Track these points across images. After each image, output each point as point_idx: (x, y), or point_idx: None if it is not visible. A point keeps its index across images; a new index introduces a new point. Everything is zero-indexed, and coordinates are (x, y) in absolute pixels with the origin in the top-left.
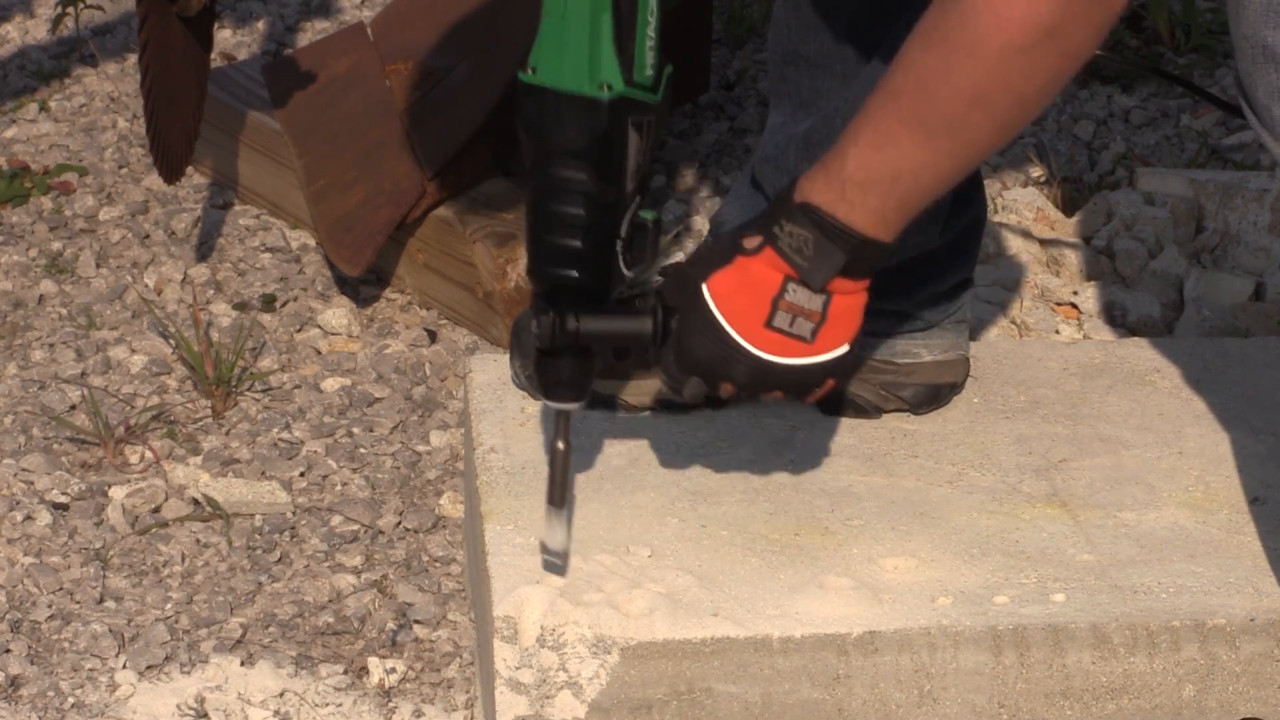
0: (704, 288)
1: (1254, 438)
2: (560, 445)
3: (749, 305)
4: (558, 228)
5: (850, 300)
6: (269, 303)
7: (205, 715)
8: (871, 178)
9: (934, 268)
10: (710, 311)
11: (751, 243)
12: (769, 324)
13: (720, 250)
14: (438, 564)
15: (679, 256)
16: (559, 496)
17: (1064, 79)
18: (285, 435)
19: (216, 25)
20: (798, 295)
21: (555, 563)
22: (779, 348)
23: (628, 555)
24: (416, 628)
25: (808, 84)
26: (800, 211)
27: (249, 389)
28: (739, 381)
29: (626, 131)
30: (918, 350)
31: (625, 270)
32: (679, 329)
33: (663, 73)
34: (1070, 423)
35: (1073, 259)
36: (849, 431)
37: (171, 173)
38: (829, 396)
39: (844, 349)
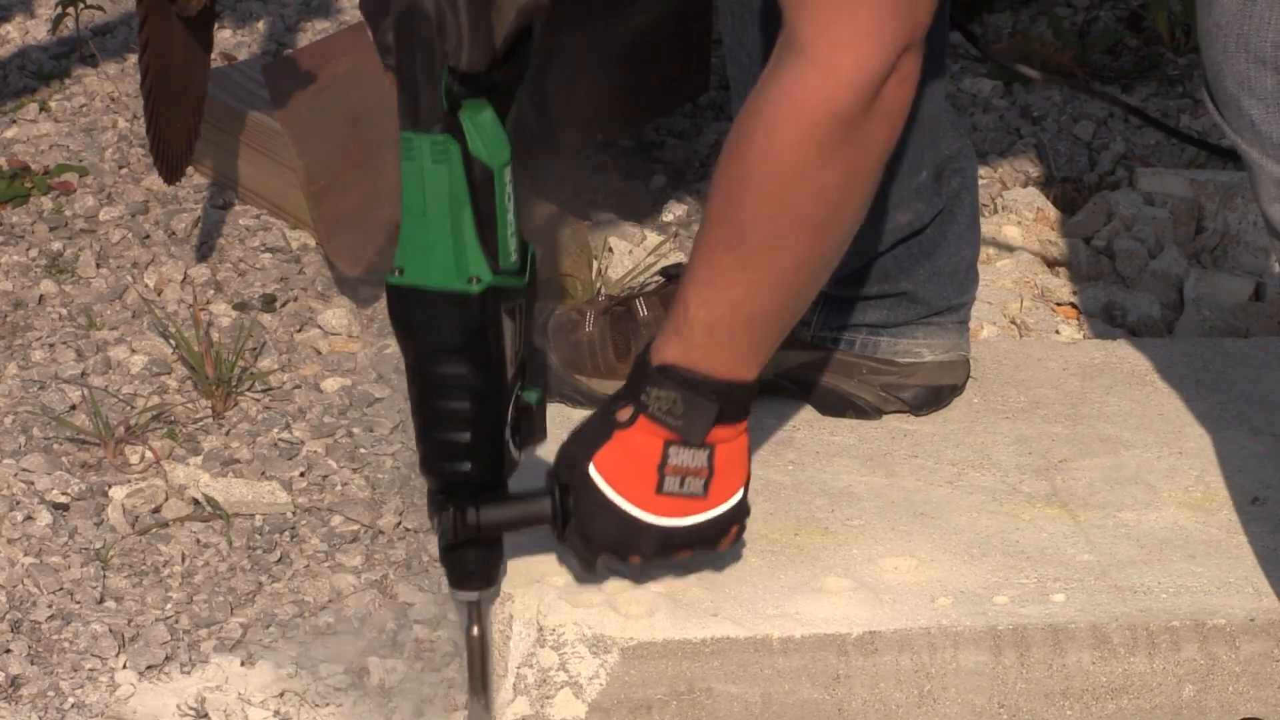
0: (590, 468)
1: (1254, 438)
2: (475, 631)
3: (636, 477)
4: (445, 424)
5: (733, 447)
6: (269, 303)
7: (205, 715)
8: (712, 316)
9: (928, 242)
10: (601, 491)
11: (624, 414)
12: (660, 490)
13: (598, 427)
14: (438, 564)
15: (679, 258)
16: (480, 685)
17: (866, 176)
18: (285, 435)
19: (216, 25)
20: (681, 456)
21: None
22: (676, 510)
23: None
24: (416, 628)
25: (754, 79)
26: (660, 374)
27: (249, 389)
28: (646, 553)
29: (501, 320)
30: (919, 350)
31: (515, 454)
32: (576, 513)
33: (526, 254)
34: (1070, 423)
35: (1073, 259)
36: (849, 431)
37: (171, 173)
38: (829, 399)
39: (740, 494)
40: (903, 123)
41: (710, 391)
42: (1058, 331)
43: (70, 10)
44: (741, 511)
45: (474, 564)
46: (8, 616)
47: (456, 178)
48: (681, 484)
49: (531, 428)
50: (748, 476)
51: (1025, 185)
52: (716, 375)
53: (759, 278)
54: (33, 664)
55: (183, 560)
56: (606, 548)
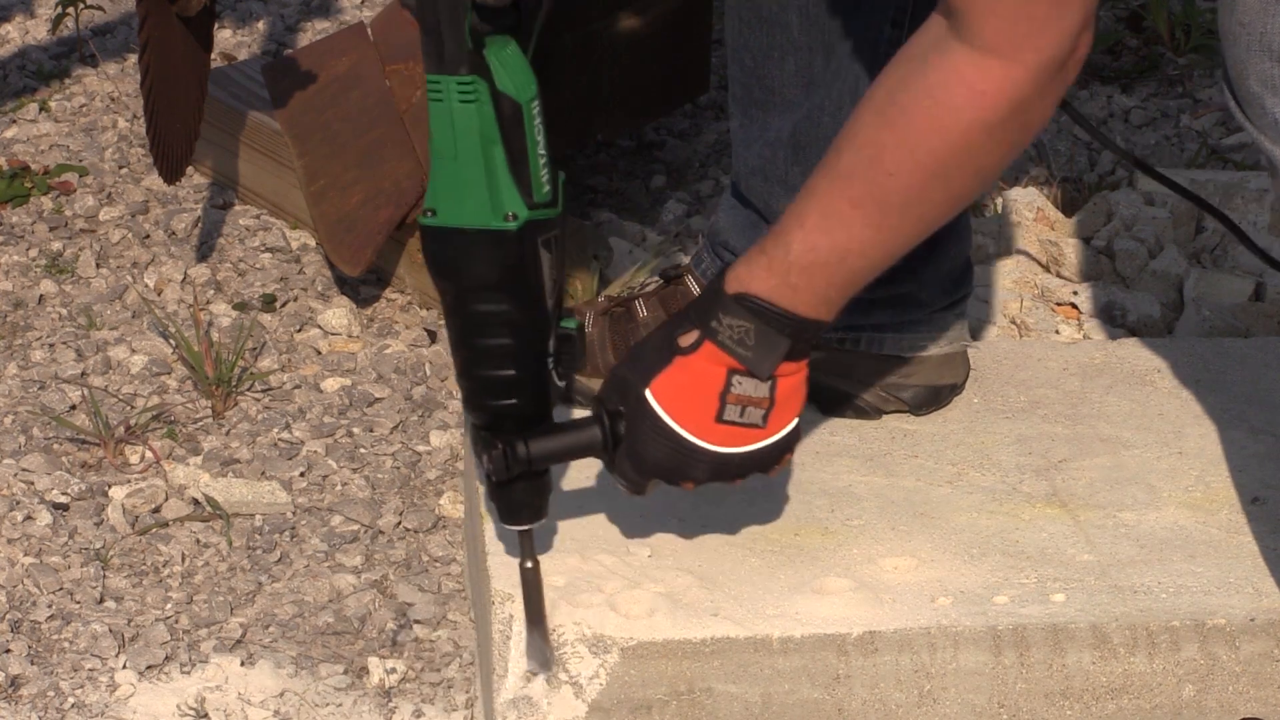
0: (648, 394)
1: (1254, 438)
2: (529, 564)
3: (697, 404)
4: (489, 360)
5: (795, 380)
6: (269, 303)
7: (205, 715)
8: (818, 260)
9: (930, 243)
10: (659, 418)
11: (688, 340)
12: (720, 419)
13: (656, 351)
14: (438, 564)
15: (680, 257)
16: (536, 614)
17: (1019, 152)
18: (285, 435)
19: (216, 25)
20: (744, 386)
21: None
22: (733, 439)
23: (628, 555)
24: (416, 628)
25: (758, 82)
26: (736, 302)
27: (249, 389)
28: (700, 479)
29: (539, 254)
30: (923, 344)
31: (558, 382)
32: (631, 438)
33: (558, 183)
34: (1070, 423)
35: (1073, 259)
36: (849, 431)
37: (171, 173)
38: (828, 399)
39: (794, 423)
40: (1061, 96)
41: (785, 326)
42: (1058, 331)
43: (70, 10)
44: (794, 438)
45: (524, 497)
46: (8, 616)
47: (486, 116)
48: (742, 413)
49: (572, 356)
50: (803, 406)
51: (1025, 185)
52: (797, 312)
53: (882, 237)
54: (33, 664)
55: (183, 560)
56: (659, 474)
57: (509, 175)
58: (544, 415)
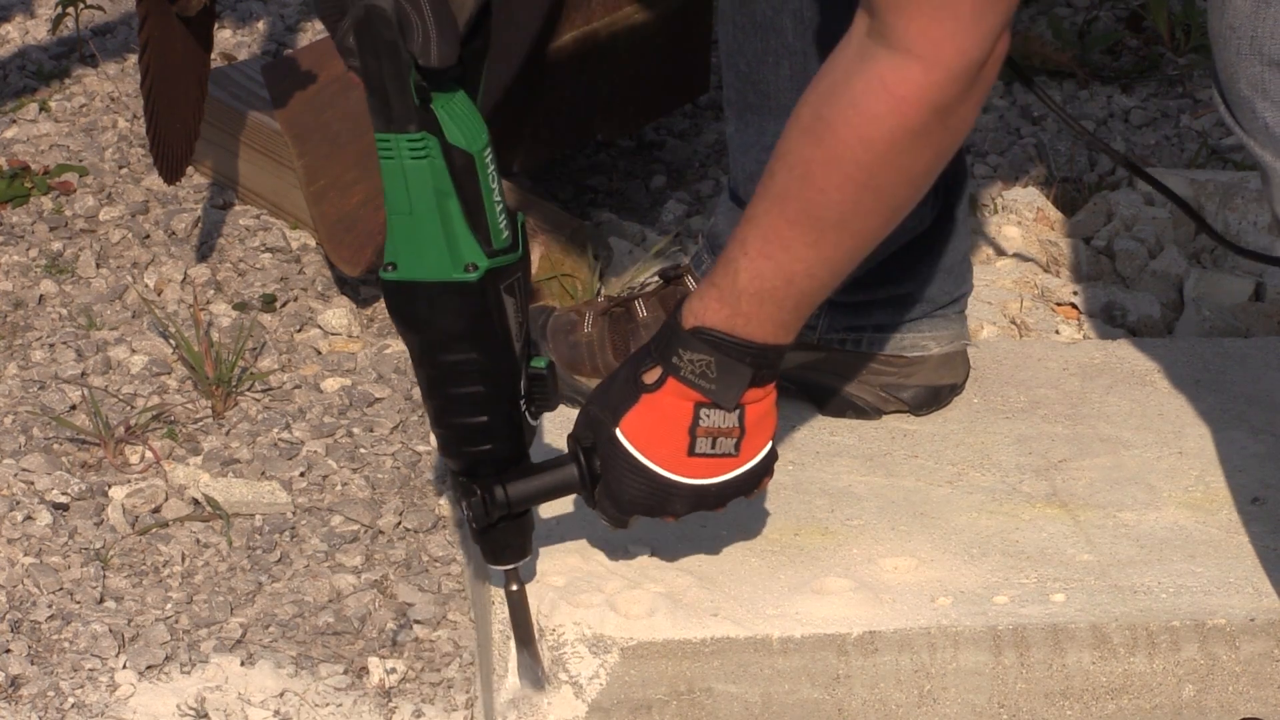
0: (619, 433)
1: (1254, 438)
2: (514, 587)
3: (668, 441)
4: (461, 409)
5: (763, 405)
6: (269, 303)
7: (205, 715)
8: (766, 287)
9: (929, 241)
10: (632, 457)
11: (651, 377)
12: (692, 452)
13: (622, 389)
14: (438, 564)
15: (680, 257)
16: (525, 634)
17: (947, 157)
18: (285, 435)
19: (216, 25)
20: (713, 418)
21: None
22: (709, 470)
23: (628, 555)
24: (416, 628)
25: (753, 87)
26: (694, 336)
27: (249, 389)
28: (681, 512)
29: (502, 301)
30: (925, 343)
31: (531, 422)
32: (608, 478)
33: (516, 227)
34: (1070, 423)
35: (1073, 259)
36: (849, 431)
37: (171, 173)
38: (829, 399)
39: (769, 447)
40: (984, 98)
41: (745, 355)
42: (1058, 331)
43: (70, 10)
44: (770, 460)
45: (508, 538)
46: (8, 616)
47: (439, 170)
48: (713, 444)
49: (545, 394)
50: (775, 429)
51: (1025, 185)
52: (754, 339)
53: (824, 255)
54: (33, 664)
55: (183, 560)
56: (639, 510)
57: (466, 226)
58: (520, 457)
